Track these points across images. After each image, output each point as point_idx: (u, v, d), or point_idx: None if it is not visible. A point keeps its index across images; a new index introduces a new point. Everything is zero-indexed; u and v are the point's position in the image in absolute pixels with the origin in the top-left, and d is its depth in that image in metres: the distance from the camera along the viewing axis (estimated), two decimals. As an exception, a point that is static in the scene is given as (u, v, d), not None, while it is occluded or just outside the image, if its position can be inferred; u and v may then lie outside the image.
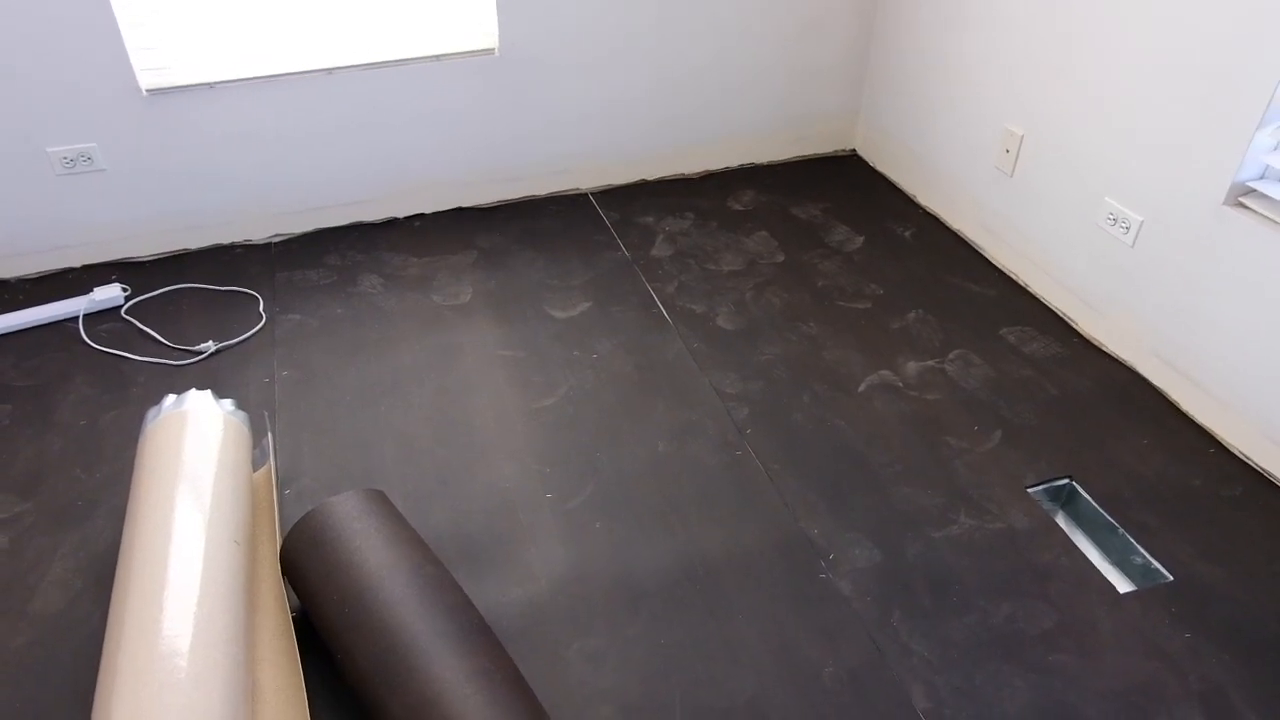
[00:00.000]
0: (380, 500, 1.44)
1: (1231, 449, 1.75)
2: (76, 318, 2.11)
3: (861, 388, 1.92)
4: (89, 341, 2.05)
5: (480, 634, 1.25)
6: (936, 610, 1.46)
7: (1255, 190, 1.66)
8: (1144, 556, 1.55)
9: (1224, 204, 1.67)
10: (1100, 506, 1.64)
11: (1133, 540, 1.57)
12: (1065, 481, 1.70)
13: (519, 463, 1.74)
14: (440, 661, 1.18)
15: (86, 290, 2.19)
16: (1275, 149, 1.62)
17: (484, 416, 1.85)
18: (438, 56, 2.31)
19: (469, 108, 2.41)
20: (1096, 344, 2.03)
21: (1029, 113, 2.11)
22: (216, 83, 2.16)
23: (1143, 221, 1.86)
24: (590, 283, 2.25)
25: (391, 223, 2.51)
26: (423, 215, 2.54)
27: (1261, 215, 1.62)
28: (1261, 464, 1.70)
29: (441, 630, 1.22)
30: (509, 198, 2.61)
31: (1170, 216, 1.79)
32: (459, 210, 2.57)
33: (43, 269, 2.28)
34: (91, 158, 2.15)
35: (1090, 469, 1.71)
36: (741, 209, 2.57)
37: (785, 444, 1.78)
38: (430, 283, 2.26)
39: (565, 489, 1.69)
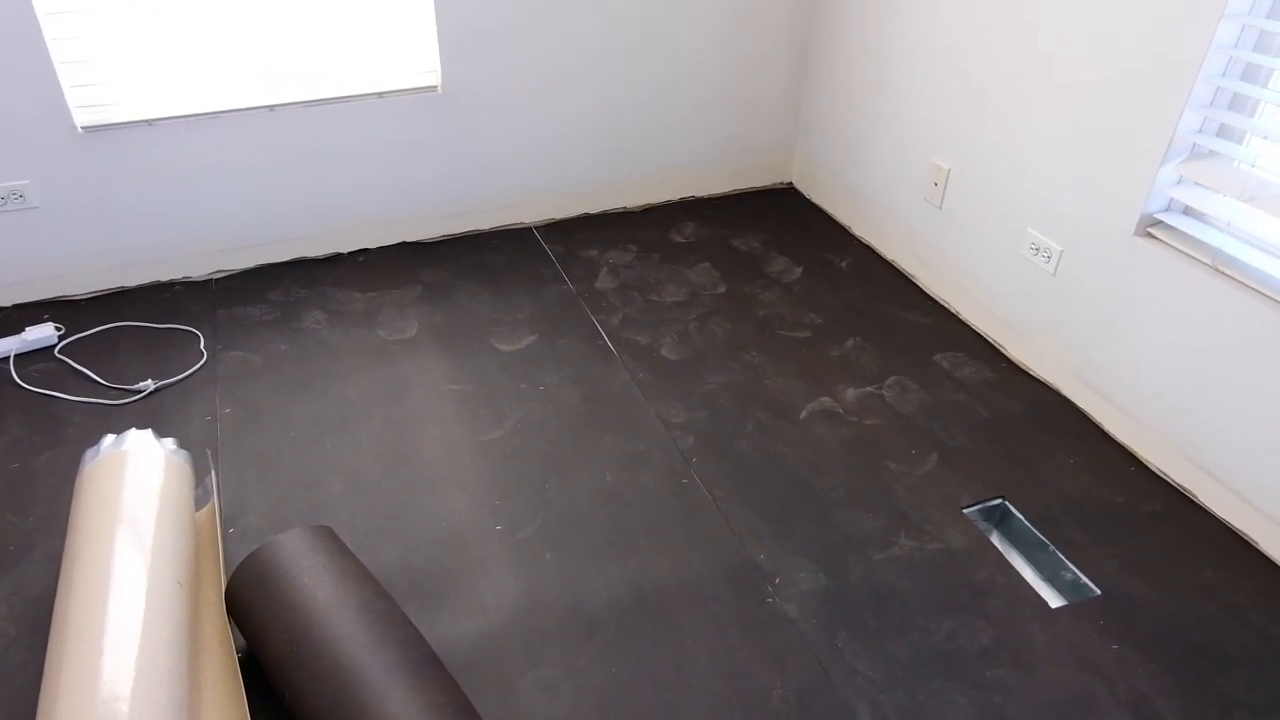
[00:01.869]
0: (328, 536, 1.43)
1: (1150, 466, 1.84)
2: (8, 358, 2.06)
3: (803, 415, 1.97)
4: (20, 382, 2.00)
5: (432, 667, 1.25)
6: (880, 630, 1.50)
7: (1162, 221, 1.77)
8: (1073, 572, 1.62)
9: (1135, 234, 1.78)
10: (1031, 525, 1.71)
11: (1062, 557, 1.65)
12: (998, 501, 1.77)
13: (468, 495, 1.75)
14: (391, 697, 1.18)
15: (18, 330, 2.14)
16: (1178, 183, 1.73)
17: (432, 450, 1.85)
18: (381, 94, 2.33)
19: (412, 144, 2.43)
20: (1024, 368, 2.12)
21: (955, 148, 2.21)
22: (156, 119, 2.14)
23: (1062, 251, 1.96)
24: (536, 316, 2.28)
25: (335, 258, 2.50)
26: (367, 250, 2.54)
27: (1169, 245, 1.72)
28: (1178, 480, 1.79)
29: (392, 664, 1.22)
30: (453, 232, 2.63)
31: (1087, 246, 1.89)
32: (403, 245, 2.57)
33: (-29, 308, 2.22)
34: (23, 195, 2.11)
35: (1022, 489, 1.79)
36: (683, 241, 2.63)
37: (730, 472, 1.82)
38: (375, 318, 2.26)
39: (515, 520, 1.70)
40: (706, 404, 1.99)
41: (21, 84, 1.98)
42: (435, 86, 2.37)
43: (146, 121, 2.14)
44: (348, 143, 2.36)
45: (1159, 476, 1.82)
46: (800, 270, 2.50)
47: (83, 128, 2.09)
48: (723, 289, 2.40)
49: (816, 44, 2.68)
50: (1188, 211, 1.75)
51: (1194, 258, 1.67)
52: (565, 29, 2.41)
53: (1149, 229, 1.77)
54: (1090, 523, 1.71)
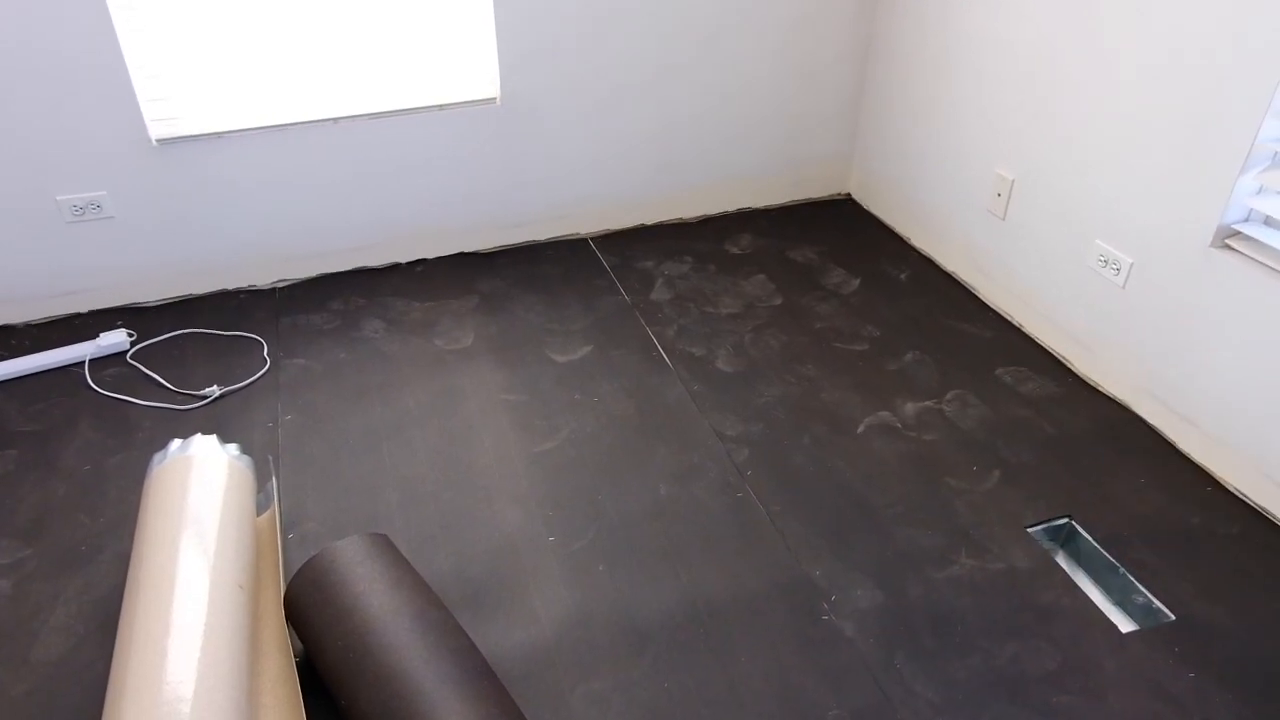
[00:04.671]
0: (384, 544, 1.44)
1: (1229, 487, 1.76)
2: (83, 363, 2.13)
3: (860, 429, 1.94)
4: (95, 386, 2.07)
5: (484, 679, 1.25)
6: (940, 651, 1.46)
7: (1240, 233, 1.69)
8: (1145, 596, 1.56)
9: (1211, 246, 1.71)
10: (1100, 546, 1.65)
11: (1133, 580, 1.58)
12: (1064, 521, 1.71)
13: (522, 506, 1.75)
14: (444, 707, 1.18)
15: (93, 335, 2.21)
16: (1258, 192, 1.66)
17: (486, 460, 1.86)
18: (441, 106, 2.36)
19: (471, 155, 2.45)
20: (1092, 383, 2.05)
21: (1019, 157, 2.16)
22: (225, 132, 2.20)
23: (1133, 264, 1.89)
24: (591, 327, 2.28)
25: (394, 268, 2.54)
26: (425, 260, 2.58)
27: (1247, 257, 1.65)
28: (1259, 502, 1.71)
29: (445, 675, 1.22)
30: (510, 243, 2.65)
31: (1160, 259, 1.83)
32: (461, 255, 2.60)
33: (50, 314, 2.30)
34: (101, 205, 2.19)
35: (1089, 508, 1.73)
36: (739, 252, 2.61)
37: (786, 486, 1.79)
38: (433, 327, 2.28)
39: (568, 532, 1.70)
40: (762, 417, 1.97)
41: (102, 99, 2.06)
42: (494, 99, 2.40)
43: (217, 134, 2.20)
44: (408, 154, 2.39)
45: (1238, 497, 1.74)
46: (858, 282, 2.46)
47: (157, 140, 2.16)
48: (778, 301, 2.38)
49: (875, 54, 2.64)
50: (1268, 222, 1.67)
51: (1275, 270, 1.60)
52: (623, 42, 2.41)
53: (1227, 240, 1.70)
54: (1163, 544, 1.65)
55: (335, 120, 2.28)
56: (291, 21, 2.15)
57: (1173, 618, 1.51)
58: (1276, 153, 1.62)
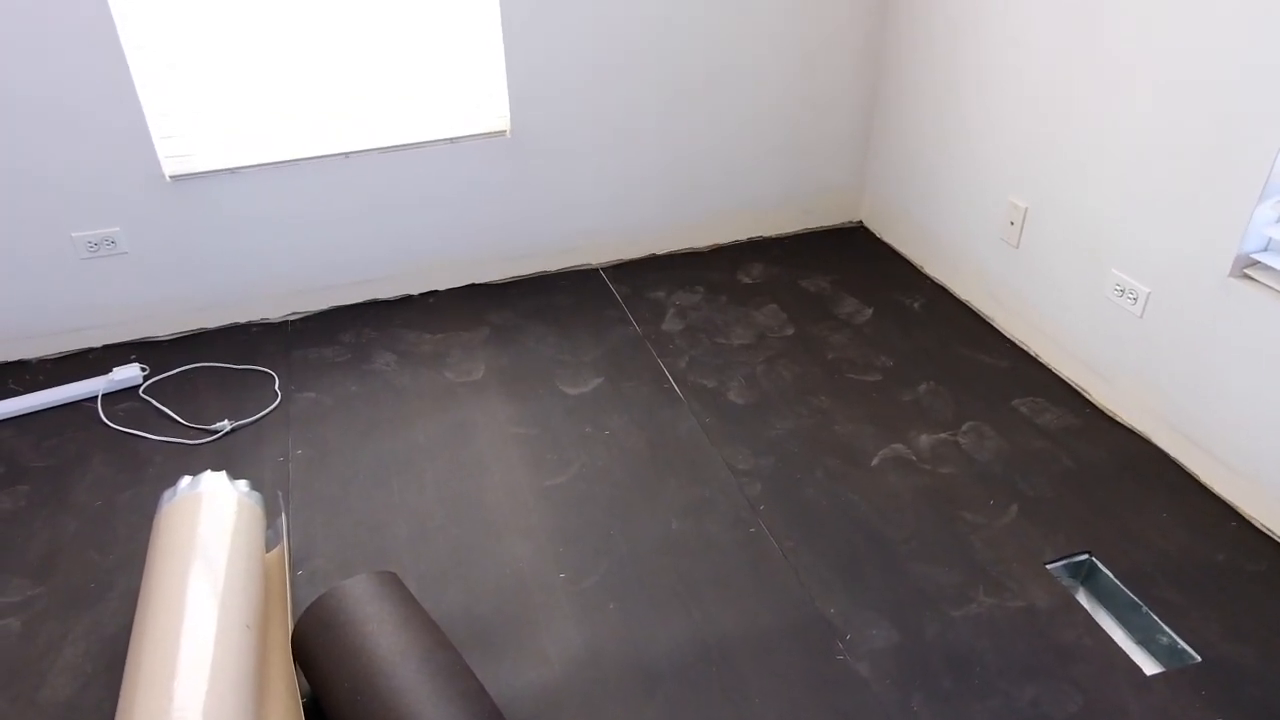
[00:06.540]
0: (393, 583, 1.43)
1: (1254, 522, 1.72)
2: (95, 398, 2.14)
3: (874, 462, 1.91)
4: (107, 421, 2.07)
5: (493, 722, 1.23)
6: (958, 693, 1.43)
7: (1259, 262, 1.67)
8: (1170, 636, 1.52)
9: (1230, 275, 1.68)
10: (1122, 583, 1.61)
11: (1157, 619, 1.54)
12: (1085, 557, 1.68)
13: (532, 541, 1.73)
14: (452, 752, 1.16)
15: (106, 370, 2.22)
16: (1277, 221, 1.64)
17: (497, 494, 1.85)
18: (452, 139, 2.37)
19: (482, 188, 2.46)
20: (1110, 414, 2.02)
21: (1032, 185, 2.14)
22: (239, 168, 2.22)
23: (1150, 293, 1.87)
24: (602, 358, 2.27)
25: (406, 300, 2.55)
26: (436, 292, 2.58)
27: (1267, 286, 1.63)
28: (1284, 537, 1.67)
29: (454, 718, 1.20)
30: (521, 274, 2.65)
31: (1177, 288, 1.80)
32: (472, 286, 2.61)
33: (63, 349, 2.32)
34: (115, 241, 2.20)
35: (1110, 543, 1.69)
36: (751, 282, 2.60)
37: (799, 520, 1.77)
38: (444, 360, 2.28)
39: (579, 568, 1.68)
40: (774, 450, 1.95)
41: (117, 136, 2.08)
42: (505, 131, 2.41)
43: (230, 170, 2.22)
44: (420, 187, 2.41)
45: (1264, 533, 1.70)
46: (870, 311, 2.44)
47: (171, 177, 2.18)
48: (791, 331, 2.36)
49: (886, 82, 2.64)
50: (1288, 252, 1.65)
51: (1296, 301, 1.58)
52: (634, 74, 2.43)
53: (1245, 270, 1.68)
54: (1187, 582, 1.61)
55: (347, 155, 2.30)
56: (304, 58, 2.17)
57: (1199, 659, 1.47)
58: (1295, 182, 1.59)
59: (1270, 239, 1.66)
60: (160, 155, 2.15)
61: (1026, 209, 2.17)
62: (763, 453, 1.94)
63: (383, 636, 1.31)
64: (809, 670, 1.47)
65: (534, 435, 2.01)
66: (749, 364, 2.23)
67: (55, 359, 2.30)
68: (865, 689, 1.44)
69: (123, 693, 1.24)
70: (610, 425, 2.04)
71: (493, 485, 1.87)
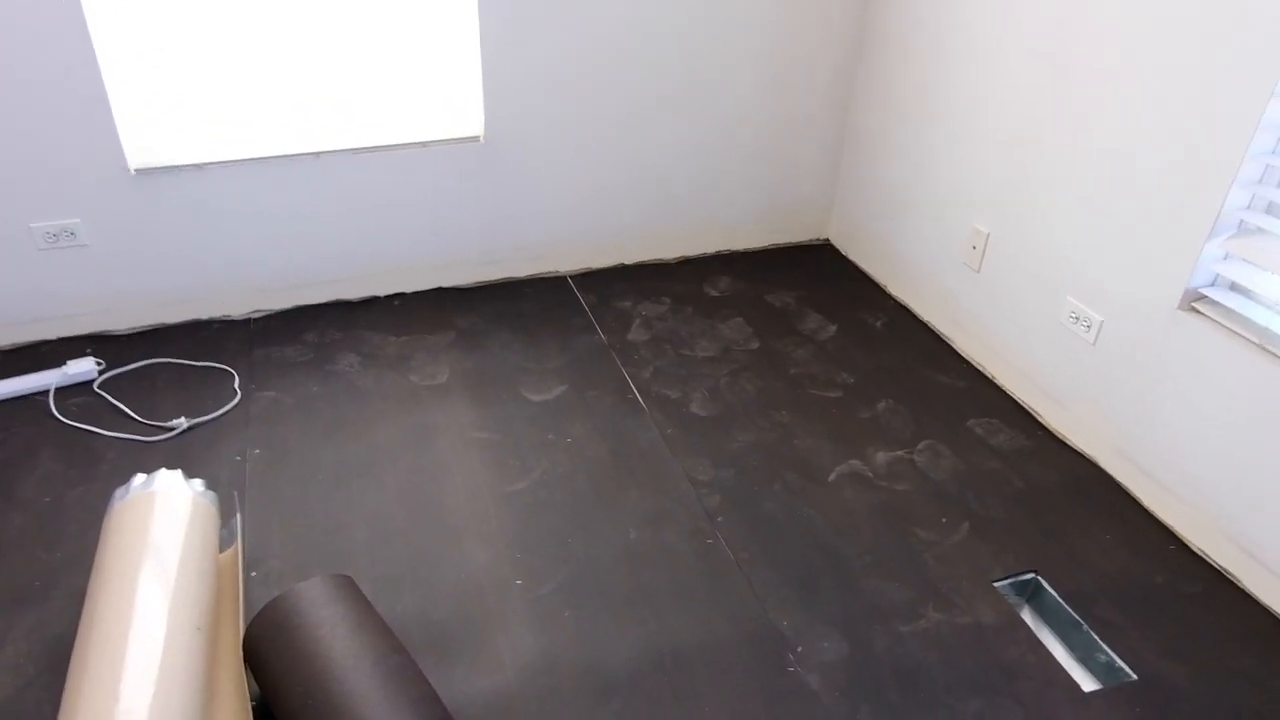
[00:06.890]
0: (348, 586, 1.42)
1: (1191, 546, 1.78)
2: (48, 391, 2.10)
3: (832, 477, 1.94)
4: (59, 416, 2.03)
5: (444, 729, 1.23)
6: (904, 706, 1.46)
7: (1207, 297, 1.73)
8: (1108, 654, 1.56)
9: (1179, 308, 1.74)
10: (1065, 602, 1.66)
11: (1097, 637, 1.59)
12: (1031, 576, 1.72)
13: (490, 547, 1.74)
14: (402, 758, 1.16)
15: (60, 363, 2.18)
16: (1224, 258, 1.70)
17: (456, 499, 1.85)
18: (424, 143, 2.37)
19: (453, 192, 2.46)
20: (1061, 437, 2.07)
21: (995, 212, 2.20)
22: (206, 163, 2.20)
23: (1103, 321, 1.92)
24: (567, 366, 2.28)
25: (372, 301, 2.54)
26: (403, 294, 2.57)
27: (1213, 320, 1.68)
28: (1220, 561, 1.73)
29: (405, 724, 1.20)
30: (489, 279, 2.65)
31: (1129, 318, 1.86)
32: (439, 290, 2.60)
33: (17, 341, 2.27)
34: (75, 233, 2.17)
35: (1055, 563, 1.74)
36: (717, 295, 2.63)
37: (756, 533, 1.79)
38: (408, 362, 2.28)
39: (536, 575, 1.68)
40: (734, 462, 1.97)
41: (80, 126, 2.05)
42: (478, 137, 2.41)
43: (197, 165, 2.19)
44: (390, 190, 2.40)
45: (1200, 557, 1.76)
46: (834, 328, 2.48)
47: (135, 170, 2.15)
48: (755, 345, 2.39)
49: (857, 103, 2.69)
50: (1234, 288, 1.71)
51: (1240, 335, 1.63)
52: (608, 85, 2.44)
53: (1193, 304, 1.74)
54: (1127, 602, 1.65)
55: (317, 155, 2.28)
56: (276, 55, 2.16)
57: (1134, 677, 1.52)
58: (1243, 220, 1.65)
59: (1218, 275, 1.72)
60: (126, 147, 2.12)
61: (989, 234, 2.22)
62: (723, 465, 1.96)
63: (336, 640, 1.31)
64: (761, 681, 1.49)
65: (496, 441, 2.01)
66: (713, 376, 2.26)
67: (7, 350, 2.25)
68: (815, 701, 1.46)
69: (66, 692, 1.22)
70: (572, 433, 2.05)
71: (453, 489, 1.87)
